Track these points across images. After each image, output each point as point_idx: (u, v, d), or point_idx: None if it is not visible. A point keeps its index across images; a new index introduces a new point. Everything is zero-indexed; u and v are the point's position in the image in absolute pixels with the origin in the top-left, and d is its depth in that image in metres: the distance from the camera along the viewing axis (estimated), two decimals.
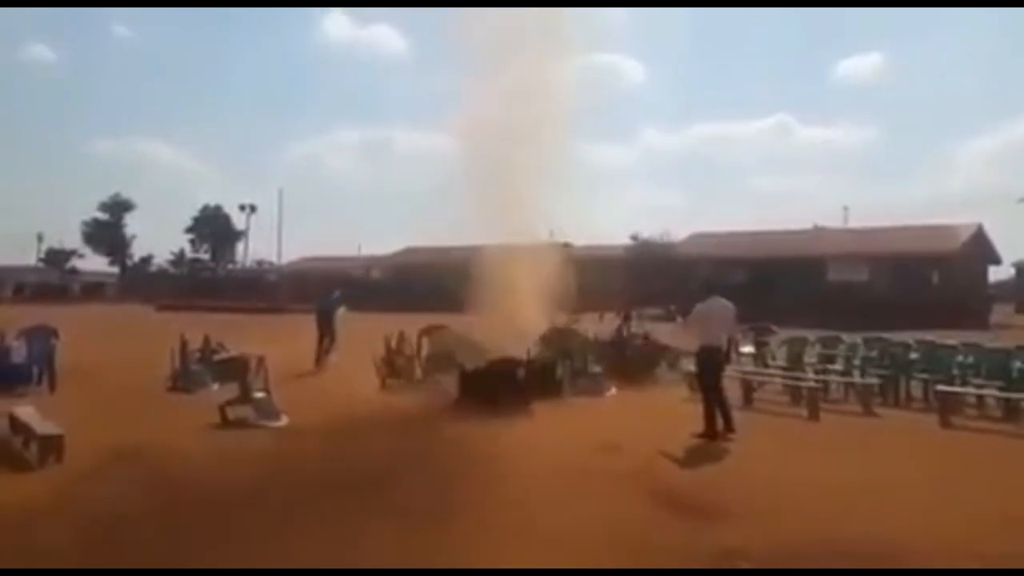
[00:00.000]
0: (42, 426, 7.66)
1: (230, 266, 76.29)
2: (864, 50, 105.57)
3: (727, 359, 9.71)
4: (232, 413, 9.70)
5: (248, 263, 73.65)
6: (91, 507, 6.11)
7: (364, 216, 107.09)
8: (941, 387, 10.88)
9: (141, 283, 65.30)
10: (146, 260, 76.66)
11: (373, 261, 63.76)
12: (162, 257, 76.63)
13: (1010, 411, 10.53)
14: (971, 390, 11.14)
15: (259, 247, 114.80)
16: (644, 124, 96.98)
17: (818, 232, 47.28)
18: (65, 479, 6.87)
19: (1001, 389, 10.84)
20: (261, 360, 10.86)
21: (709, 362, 9.25)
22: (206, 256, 77.65)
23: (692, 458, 8.11)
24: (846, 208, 61.62)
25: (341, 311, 16.85)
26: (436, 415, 10.40)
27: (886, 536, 5.54)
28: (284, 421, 9.69)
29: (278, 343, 15.49)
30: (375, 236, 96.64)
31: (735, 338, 10.87)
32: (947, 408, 10.33)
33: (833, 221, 52.22)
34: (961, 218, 42.89)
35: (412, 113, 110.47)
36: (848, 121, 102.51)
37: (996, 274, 50.05)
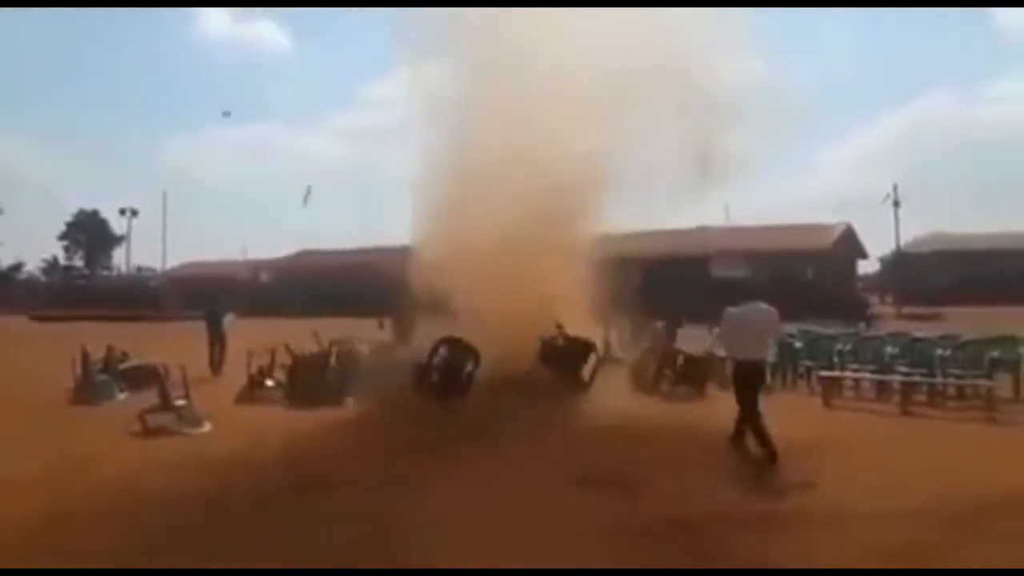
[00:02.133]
0: None
1: (106, 273, 72.59)
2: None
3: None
4: (152, 421, 9.54)
5: (128, 269, 70.26)
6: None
7: (248, 218, 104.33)
8: (823, 372, 12.10)
9: (11, 292, 61.07)
10: (15, 268, 71.76)
11: (261, 264, 62.19)
12: (33, 264, 72.16)
13: (882, 391, 11.74)
14: (849, 374, 12.35)
15: (142, 252, 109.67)
16: None
17: (702, 231, 49.57)
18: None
19: (874, 372, 12.06)
20: (182, 368, 10.69)
21: (746, 380, 7.96)
22: (80, 263, 73.53)
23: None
24: (727, 207, 64.74)
25: (229, 317, 16.53)
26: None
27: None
28: (207, 428, 9.63)
29: (169, 351, 15.04)
30: (261, 238, 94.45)
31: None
32: (828, 391, 11.45)
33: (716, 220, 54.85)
34: (831, 217, 46.35)
35: (295, 111, 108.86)
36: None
37: (864, 267, 54.32)
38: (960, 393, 11.32)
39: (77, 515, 6.10)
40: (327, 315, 31.03)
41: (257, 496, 6.62)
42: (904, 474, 7.15)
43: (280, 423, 10.07)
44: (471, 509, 6.15)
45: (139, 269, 71.37)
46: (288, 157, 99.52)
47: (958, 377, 11.43)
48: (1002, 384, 11.11)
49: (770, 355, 8.19)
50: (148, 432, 9.37)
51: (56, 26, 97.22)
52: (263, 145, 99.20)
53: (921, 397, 11.11)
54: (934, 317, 32.29)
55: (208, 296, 18.86)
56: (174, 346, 16.22)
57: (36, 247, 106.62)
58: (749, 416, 7.75)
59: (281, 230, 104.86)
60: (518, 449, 8.22)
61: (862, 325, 26.32)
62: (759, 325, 7.89)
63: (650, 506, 6.19)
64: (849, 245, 45.88)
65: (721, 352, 10.15)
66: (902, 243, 52.55)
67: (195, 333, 16.44)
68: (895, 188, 50.11)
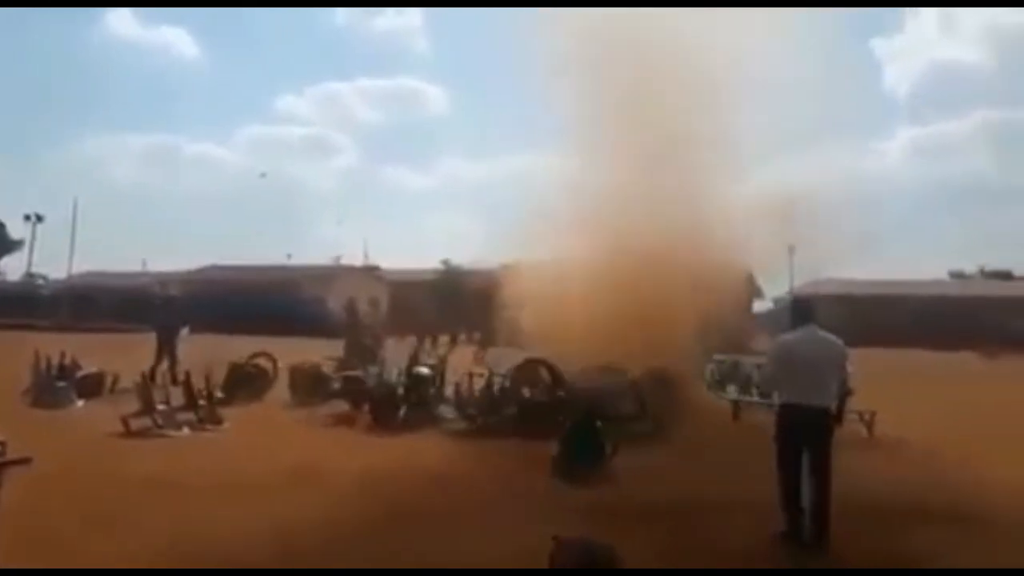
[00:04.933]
0: None
1: None
2: None
3: (837, 421, 6.27)
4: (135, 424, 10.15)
5: (21, 277, 67.06)
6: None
7: (153, 228, 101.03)
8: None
9: None
10: None
11: (167, 277, 60.73)
12: None
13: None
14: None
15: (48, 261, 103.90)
16: (447, 151, 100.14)
17: None
18: None
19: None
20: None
21: (793, 429, 6.06)
22: None
23: None
24: None
25: (185, 331, 16.91)
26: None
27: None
28: (186, 432, 10.27)
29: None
30: (167, 250, 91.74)
31: (848, 391, 6.44)
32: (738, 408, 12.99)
33: None
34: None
35: (203, 120, 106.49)
36: None
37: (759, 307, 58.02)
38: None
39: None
40: (240, 332, 31.15)
41: None
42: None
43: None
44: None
45: (30, 275, 68.29)
46: (195, 167, 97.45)
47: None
48: None
49: (826, 399, 6.07)
50: (130, 433, 9.98)
51: None
52: (169, 154, 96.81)
53: None
54: None
55: (158, 308, 19.00)
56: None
57: None
58: (789, 467, 6.01)
59: (186, 242, 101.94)
60: None
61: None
62: (818, 359, 6.09)
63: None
64: (749, 285, 49.15)
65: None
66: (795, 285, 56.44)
67: (99, 345, 16.38)
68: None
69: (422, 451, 9.49)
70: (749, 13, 15.82)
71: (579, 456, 8.26)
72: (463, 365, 13.95)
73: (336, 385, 13.12)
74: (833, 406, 6.17)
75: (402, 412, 11.38)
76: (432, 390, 12.22)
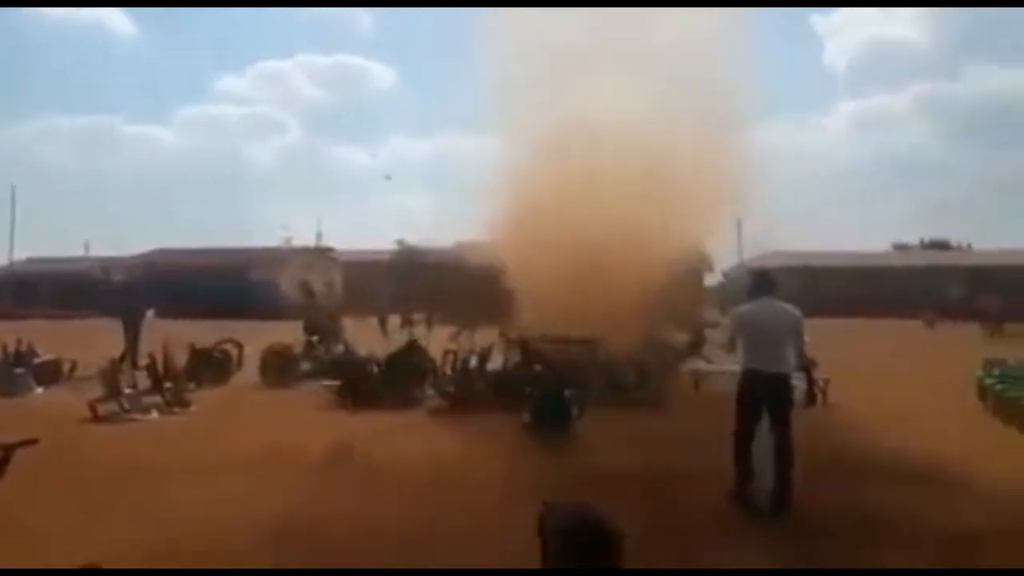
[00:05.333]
0: None
1: None
2: None
3: (810, 398, 6.88)
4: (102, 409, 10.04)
5: None
6: None
7: (94, 213, 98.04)
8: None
9: None
10: None
11: (110, 262, 59.14)
12: None
13: None
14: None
15: None
16: (394, 129, 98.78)
17: None
18: None
19: None
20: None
21: (750, 393, 6.45)
22: None
23: None
24: None
25: (150, 314, 16.71)
26: None
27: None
28: (155, 415, 10.20)
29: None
30: (109, 234, 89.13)
31: (808, 359, 7.04)
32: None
33: None
34: None
35: (141, 101, 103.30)
36: None
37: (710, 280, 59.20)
38: None
39: None
40: (188, 317, 30.55)
41: None
42: None
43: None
44: None
45: None
46: (134, 149, 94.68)
47: None
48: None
49: (783, 365, 6.39)
50: (98, 418, 9.89)
51: None
52: (106, 135, 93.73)
53: None
54: None
55: (122, 293, 18.68)
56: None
57: None
58: (744, 431, 6.41)
59: (129, 226, 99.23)
60: None
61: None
62: (775, 327, 6.43)
63: None
64: (700, 259, 50.05)
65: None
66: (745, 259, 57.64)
67: (43, 332, 16.11)
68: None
69: (396, 429, 9.58)
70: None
71: (548, 420, 8.99)
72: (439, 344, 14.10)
73: (307, 366, 13.15)
74: (792, 373, 6.47)
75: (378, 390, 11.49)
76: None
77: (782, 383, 6.40)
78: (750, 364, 6.46)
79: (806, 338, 6.65)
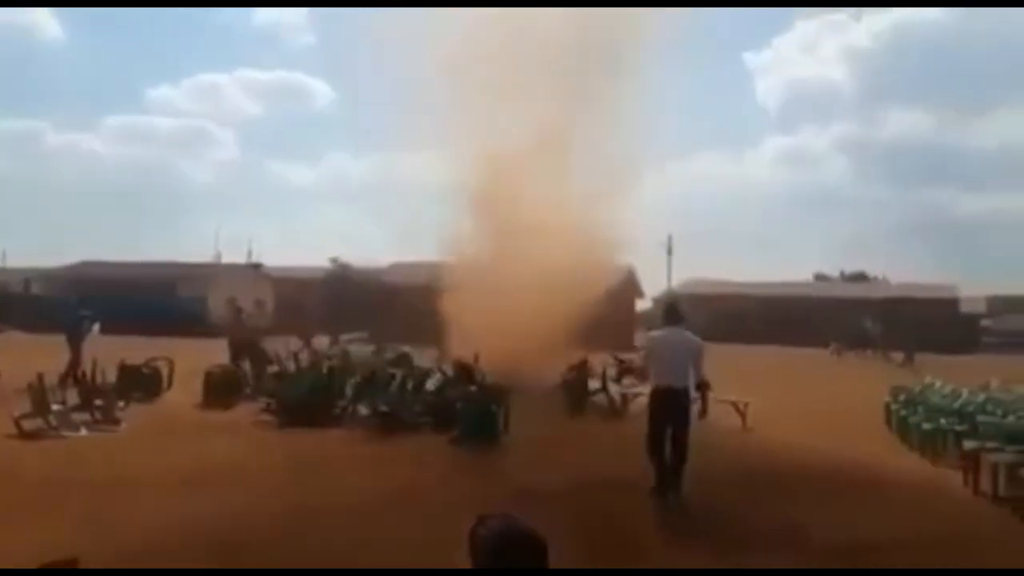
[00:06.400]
0: None
1: None
2: None
3: (702, 411, 7.80)
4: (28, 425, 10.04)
5: None
6: None
7: (16, 222, 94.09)
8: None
9: None
10: None
11: (31, 273, 57.06)
12: None
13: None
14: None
15: None
16: (333, 146, 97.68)
17: None
18: None
19: None
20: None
21: (661, 404, 7.46)
22: None
23: None
24: None
25: (95, 328, 16.48)
26: None
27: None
28: (84, 432, 10.25)
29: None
30: (32, 245, 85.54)
31: (705, 381, 7.78)
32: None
33: None
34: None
35: (69, 108, 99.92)
36: None
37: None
38: None
39: None
40: (113, 332, 29.68)
41: None
42: None
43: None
44: None
45: None
46: (61, 157, 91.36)
47: None
48: None
49: (683, 383, 7.43)
50: (24, 434, 9.89)
51: None
52: (32, 142, 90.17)
53: None
54: None
55: (64, 307, 18.32)
56: None
57: None
58: (656, 441, 7.43)
59: (53, 237, 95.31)
60: None
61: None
62: (679, 353, 7.50)
63: None
64: (630, 284, 51.30)
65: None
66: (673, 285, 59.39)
67: None
68: (669, 238, 56.72)
69: (328, 448, 9.85)
70: (635, 27, 17.08)
71: (474, 434, 10.12)
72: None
73: (247, 390, 13.49)
74: (691, 388, 7.62)
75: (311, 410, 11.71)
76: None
77: (683, 396, 7.50)
78: (658, 381, 7.59)
79: (703, 362, 7.74)
